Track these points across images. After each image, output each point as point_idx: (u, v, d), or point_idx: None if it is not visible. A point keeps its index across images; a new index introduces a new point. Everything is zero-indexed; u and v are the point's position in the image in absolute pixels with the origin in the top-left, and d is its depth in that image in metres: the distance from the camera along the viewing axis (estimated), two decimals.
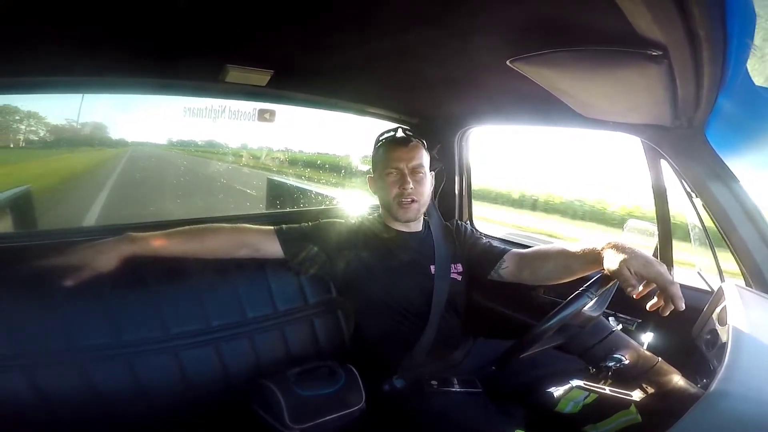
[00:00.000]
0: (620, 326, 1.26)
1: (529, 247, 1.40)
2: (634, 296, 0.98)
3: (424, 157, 1.34)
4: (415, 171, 1.31)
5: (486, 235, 1.57)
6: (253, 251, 1.25)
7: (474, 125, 1.73)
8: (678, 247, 1.33)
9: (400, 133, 1.40)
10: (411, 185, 1.29)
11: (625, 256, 1.00)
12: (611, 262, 1.02)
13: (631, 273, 0.97)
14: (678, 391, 1.00)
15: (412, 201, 1.30)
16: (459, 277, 1.37)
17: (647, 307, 0.99)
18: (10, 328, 0.97)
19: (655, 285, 0.98)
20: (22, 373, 0.96)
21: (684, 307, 0.94)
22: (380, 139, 1.41)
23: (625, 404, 1.02)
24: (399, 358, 1.24)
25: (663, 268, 0.98)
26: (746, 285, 1.12)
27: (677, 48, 0.71)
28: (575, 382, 1.02)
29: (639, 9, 0.62)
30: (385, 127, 1.49)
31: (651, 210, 1.36)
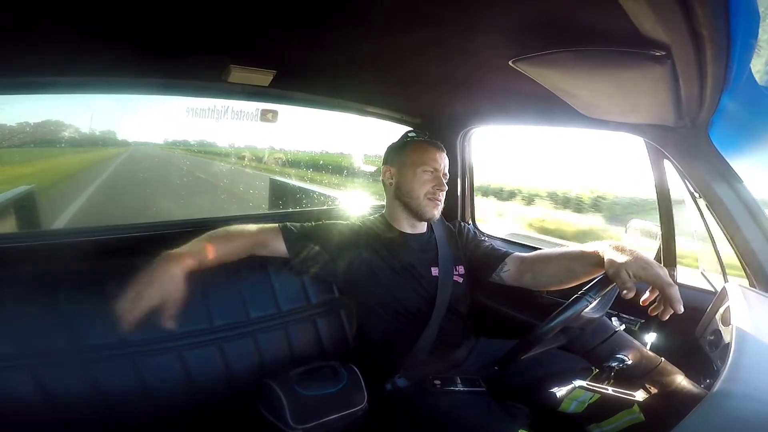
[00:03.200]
0: (623, 326, 1.26)
1: (533, 249, 1.40)
2: (641, 302, 1.00)
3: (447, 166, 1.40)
4: (444, 176, 1.36)
5: (489, 237, 1.57)
6: (267, 251, 1.26)
7: (476, 125, 1.74)
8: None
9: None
10: (446, 187, 1.35)
11: (624, 259, 1.00)
12: (610, 264, 1.03)
13: (629, 276, 0.98)
14: (681, 392, 1.00)
15: (439, 201, 1.35)
16: (461, 280, 1.37)
17: (649, 311, 1.00)
18: (15, 328, 0.98)
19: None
20: (27, 373, 0.97)
21: (682, 310, 0.95)
22: (412, 136, 1.44)
23: (629, 404, 1.02)
24: (401, 358, 1.24)
25: (662, 270, 0.98)
26: (750, 285, 1.12)
27: (680, 48, 0.71)
28: (578, 382, 1.02)
29: (642, 9, 0.62)
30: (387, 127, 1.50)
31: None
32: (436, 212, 1.35)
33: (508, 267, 1.34)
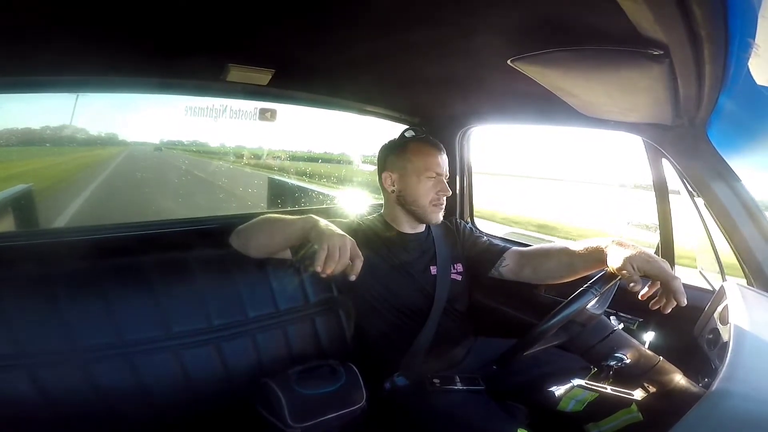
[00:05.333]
0: (622, 325, 1.26)
1: (531, 245, 1.41)
2: (639, 297, 1.00)
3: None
4: (445, 177, 1.35)
5: (487, 234, 1.57)
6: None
7: (475, 124, 1.73)
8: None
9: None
10: (450, 191, 1.34)
11: (629, 253, 1.02)
12: (614, 259, 1.03)
13: (633, 269, 0.99)
14: (679, 391, 1.00)
15: (443, 205, 1.34)
16: (459, 277, 1.37)
17: (650, 305, 1.00)
18: (13, 328, 0.97)
19: (658, 284, 0.99)
20: (25, 373, 0.96)
21: (686, 302, 0.96)
22: (410, 137, 1.41)
23: (627, 403, 1.02)
24: (400, 357, 1.24)
25: (665, 264, 1.00)
26: (748, 284, 1.12)
27: (679, 47, 0.71)
28: (577, 381, 1.03)
29: (641, 9, 0.62)
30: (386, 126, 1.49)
31: None
32: (440, 216, 1.35)
33: (507, 262, 1.35)
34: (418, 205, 1.33)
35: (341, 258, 0.99)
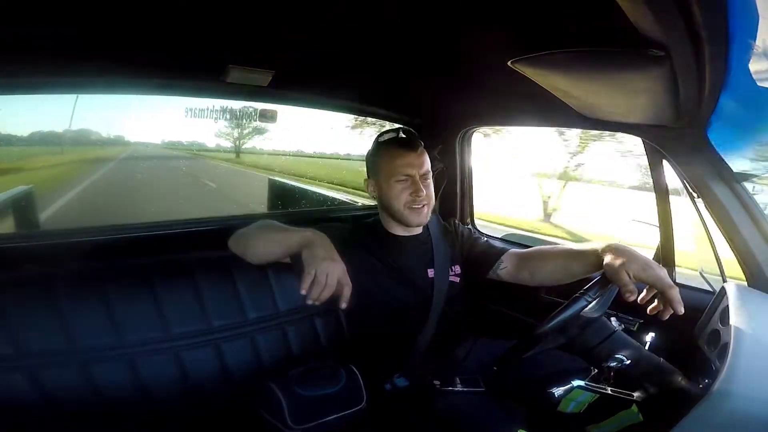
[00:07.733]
0: (622, 326, 1.26)
1: (529, 247, 1.41)
2: (638, 301, 1.00)
3: (428, 161, 1.33)
4: (424, 176, 1.30)
5: (486, 236, 1.57)
6: None
7: (476, 126, 1.74)
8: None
9: (401, 135, 1.37)
10: (424, 192, 1.28)
11: (624, 260, 1.00)
12: (611, 265, 1.03)
13: (630, 277, 0.98)
14: (680, 392, 1.00)
15: (423, 206, 1.30)
16: (457, 279, 1.37)
17: (647, 311, 1.00)
18: (13, 329, 0.97)
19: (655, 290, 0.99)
20: (25, 374, 0.96)
21: (683, 312, 0.96)
22: (382, 141, 1.36)
23: (627, 404, 1.02)
24: (400, 358, 1.24)
25: (663, 271, 0.99)
26: (748, 285, 1.12)
27: (679, 48, 0.71)
28: (577, 382, 1.03)
29: (641, 10, 0.62)
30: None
31: None
32: (422, 218, 1.31)
33: (505, 264, 1.34)
34: (394, 210, 1.31)
35: (327, 285, 0.97)
